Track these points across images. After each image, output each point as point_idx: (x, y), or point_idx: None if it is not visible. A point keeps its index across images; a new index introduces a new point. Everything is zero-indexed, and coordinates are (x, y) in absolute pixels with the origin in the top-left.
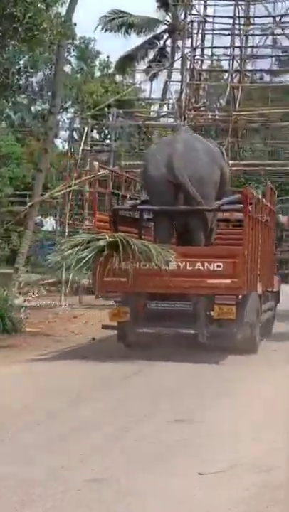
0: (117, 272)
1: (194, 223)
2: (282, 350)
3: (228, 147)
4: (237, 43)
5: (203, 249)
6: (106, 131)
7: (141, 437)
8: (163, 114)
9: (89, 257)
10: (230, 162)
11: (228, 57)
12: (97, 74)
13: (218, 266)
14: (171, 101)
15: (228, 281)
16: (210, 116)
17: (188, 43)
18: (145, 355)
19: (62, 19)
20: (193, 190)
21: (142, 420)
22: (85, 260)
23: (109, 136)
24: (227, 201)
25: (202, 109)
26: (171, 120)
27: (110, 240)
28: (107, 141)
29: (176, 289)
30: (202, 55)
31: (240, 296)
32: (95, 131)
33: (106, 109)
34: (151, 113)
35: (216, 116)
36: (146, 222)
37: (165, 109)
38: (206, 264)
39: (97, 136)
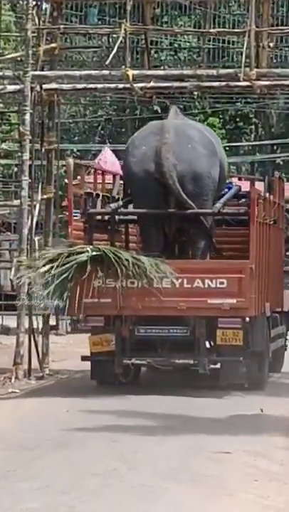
0: (100, 292)
1: (191, 230)
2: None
3: (126, 43)
4: None
5: (203, 262)
6: None
7: None
8: None
9: (68, 274)
10: (135, 73)
11: None
12: None
13: (220, 283)
14: None
15: (233, 300)
16: None
17: None
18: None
19: None
20: (183, 196)
21: None
22: (62, 278)
23: None
24: (226, 199)
25: None
26: None
27: (94, 253)
28: None
29: (170, 311)
30: None
31: (247, 319)
32: None
33: None
34: None
35: None
36: (118, 226)
37: None
38: (206, 281)
39: None
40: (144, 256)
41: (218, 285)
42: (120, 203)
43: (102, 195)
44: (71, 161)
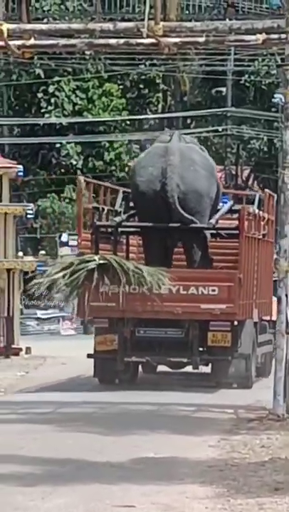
0: (105, 296)
1: (189, 243)
2: None
3: None
4: None
5: (197, 271)
6: None
7: None
8: None
9: (78, 280)
10: (10, 27)
11: None
12: None
13: (212, 290)
14: None
15: (223, 306)
16: None
17: None
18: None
19: None
20: (181, 212)
21: None
22: (73, 284)
23: None
24: (221, 214)
25: None
26: None
27: (101, 261)
28: None
29: (167, 315)
30: None
31: (235, 323)
32: None
33: None
34: None
35: None
36: (121, 238)
37: None
38: (200, 288)
39: None
40: (145, 265)
41: (210, 292)
42: (124, 216)
43: (107, 210)
44: (81, 178)
